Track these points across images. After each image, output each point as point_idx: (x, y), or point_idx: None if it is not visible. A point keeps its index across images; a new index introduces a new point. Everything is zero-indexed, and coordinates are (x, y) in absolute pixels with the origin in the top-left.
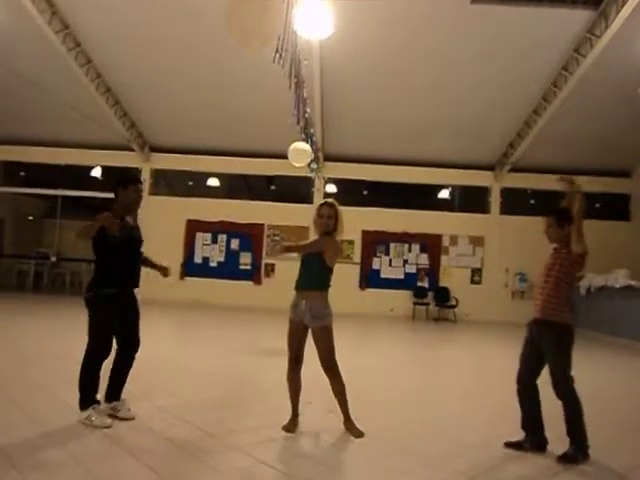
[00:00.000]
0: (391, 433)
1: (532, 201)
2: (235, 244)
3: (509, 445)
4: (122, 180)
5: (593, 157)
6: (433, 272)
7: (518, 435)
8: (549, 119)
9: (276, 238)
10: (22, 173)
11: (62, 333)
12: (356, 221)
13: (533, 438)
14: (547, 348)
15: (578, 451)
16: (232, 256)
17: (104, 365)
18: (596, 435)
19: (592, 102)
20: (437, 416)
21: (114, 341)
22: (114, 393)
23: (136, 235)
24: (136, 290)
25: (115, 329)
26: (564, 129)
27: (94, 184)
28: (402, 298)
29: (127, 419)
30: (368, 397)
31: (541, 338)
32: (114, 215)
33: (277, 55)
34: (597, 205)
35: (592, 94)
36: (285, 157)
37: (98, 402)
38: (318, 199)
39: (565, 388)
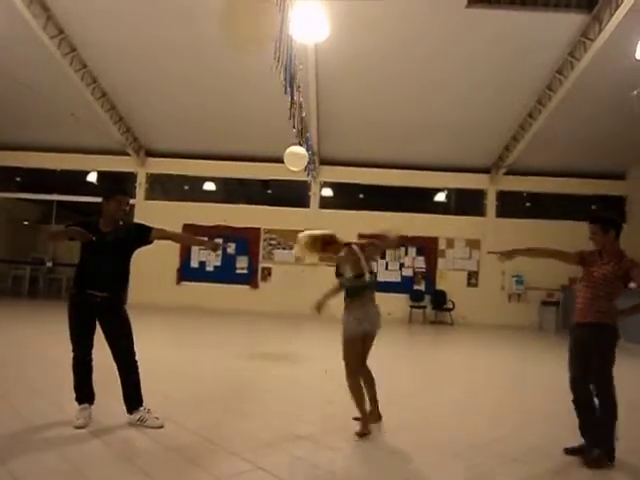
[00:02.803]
0: (389, 437)
1: (528, 204)
2: (231, 248)
3: (569, 452)
4: (106, 192)
5: (588, 160)
6: (430, 275)
7: (517, 437)
8: (544, 122)
9: (272, 242)
10: (17, 178)
11: (58, 338)
12: (352, 224)
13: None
14: (594, 349)
15: (603, 453)
16: (228, 260)
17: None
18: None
19: (587, 105)
20: (435, 419)
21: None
22: (126, 403)
23: (113, 237)
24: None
25: (83, 331)
26: (559, 132)
27: (90, 189)
28: (399, 301)
29: (155, 427)
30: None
31: (590, 340)
32: (103, 221)
33: (276, 62)
34: (592, 207)
35: (586, 97)
36: (281, 161)
37: (87, 403)
38: (314, 203)
39: (608, 388)
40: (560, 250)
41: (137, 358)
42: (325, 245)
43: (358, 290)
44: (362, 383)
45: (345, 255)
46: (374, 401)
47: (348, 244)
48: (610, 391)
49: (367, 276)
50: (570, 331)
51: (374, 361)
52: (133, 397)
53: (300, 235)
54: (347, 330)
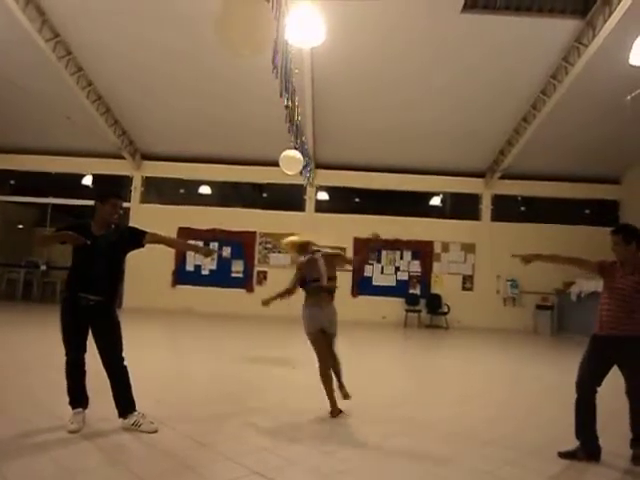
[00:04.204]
0: (385, 440)
1: (522, 208)
2: (227, 252)
3: (563, 455)
4: (100, 195)
5: (582, 164)
6: (425, 279)
7: (511, 440)
8: (538, 127)
9: (268, 245)
10: (12, 181)
11: (51, 342)
12: (348, 228)
13: (588, 447)
14: (626, 361)
15: None
16: (224, 264)
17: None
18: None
19: (581, 110)
20: (430, 423)
21: (81, 347)
22: (118, 407)
23: (106, 241)
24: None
25: (76, 335)
26: (554, 136)
27: (85, 192)
28: (394, 305)
29: (149, 432)
30: (361, 403)
31: (618, 353)
32: (95, 224)
33: (272, 66)
34: (587, 211)
35: (581, 102)
36: (277, 165)
37: (81, 407)
38: (310, 207)
39: None
40: (581, 258)
41: (126, 363)
42: (302, 249)
43: (315, 291)
44: (330, 371)
45: (305, 260)
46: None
47: (313, 252)
48: None
49: (323, 281)
50: (595, 340)
51: (369, 363)
52: (125, 401)
53: (284, 240)
54: (307, 326)
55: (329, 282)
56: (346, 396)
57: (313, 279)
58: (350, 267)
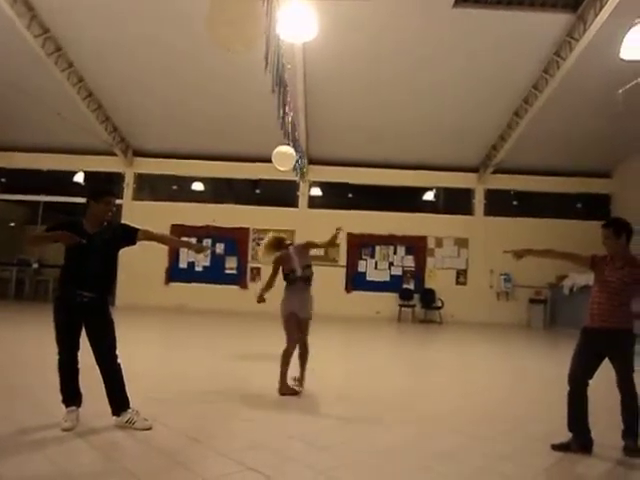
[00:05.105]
0: (381, 436)
1: (515, 202)
2: (220, 248)
3: (556, 447)
4: (94, 192)
5: (574, 158)
6: (419, 274)
7: (507, 436)
8: (531, 121)
9: (262, 242)
10: (3, 179)
11: (44, 340)
12: (341, 224)
13: (580, 439)
14: (616, 354)
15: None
16: (217, 261)
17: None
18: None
19: (572, 104)
20: (427, 418)
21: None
22: (112, 405)
23: (100, 238)
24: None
25: (69, 333)
26: (546, 131)
27: (77, 190)
28: (388, 300)
29: (143, 429)
30: (358, 399)
31: (609, 345)
32: (88, 221)
33: (264, 61)
34: (578, 205)
35: (572, 96)
36: (270, 161)
37: (74, 405)
38: (303, 203)
39: (633, 389)
40: (573, 253)
41: (119, 361)
42: (278, 246)
43: (291, 281)
44: (291, 357)
45: (279, 256)
46: (302, 371)
47: (287, 246)
48: (636, 392)
49: (298, 271)
50: (585, 333)
51: (364, 359)
52: (119, 399)
53: (260, 252)
54: (281, 310)
55: (305, 269)
56: (299, 387)
57: (290, 271)
58: (321, 250)
